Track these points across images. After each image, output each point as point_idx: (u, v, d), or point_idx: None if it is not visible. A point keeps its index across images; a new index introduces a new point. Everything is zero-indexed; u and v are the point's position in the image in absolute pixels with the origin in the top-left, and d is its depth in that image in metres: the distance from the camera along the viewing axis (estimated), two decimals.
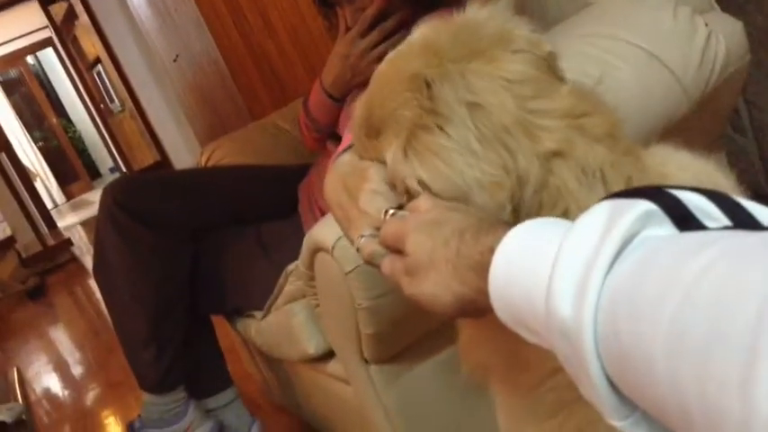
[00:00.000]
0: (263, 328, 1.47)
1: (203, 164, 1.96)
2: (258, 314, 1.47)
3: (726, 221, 0.40)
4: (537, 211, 0.60)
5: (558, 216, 0.55)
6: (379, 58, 1.29)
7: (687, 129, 1.16)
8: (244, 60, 4.11)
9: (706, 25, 1.13)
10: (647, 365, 0.35)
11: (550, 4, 1.35)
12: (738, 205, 0.41)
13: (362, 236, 0.67)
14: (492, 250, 0.49)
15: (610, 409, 0.41)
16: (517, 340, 0.51)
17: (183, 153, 6.85)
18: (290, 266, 1.36)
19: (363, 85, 1.35)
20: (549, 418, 0.65)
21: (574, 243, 0.42)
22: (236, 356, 1.97)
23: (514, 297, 0.47)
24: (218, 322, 1.68)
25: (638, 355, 0.36)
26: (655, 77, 1.07)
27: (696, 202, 0.41)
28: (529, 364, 0.65)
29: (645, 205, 0.40)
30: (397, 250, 0.61)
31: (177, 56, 5.13)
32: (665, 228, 0.40)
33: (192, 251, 1.50)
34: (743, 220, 0.40)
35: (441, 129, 0.61)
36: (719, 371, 0.31)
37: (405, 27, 1.28)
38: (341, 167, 0.75)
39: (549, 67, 0.65)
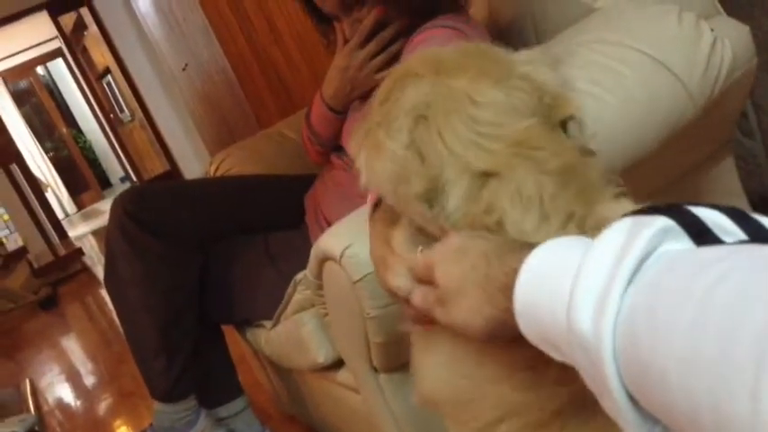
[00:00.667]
0: (273, 337, 1.47)
1: (212, 173, 1.97)
2: (267, 324, 1.47)
3: (742, 236, 0.41)
4: (470, 217, 0.64)
5: (492, 224, 0.61)
6: (379, 69, 1.31)
7: (694, 134, 1.16)
8: (251, 68, 4.12)
9: (711, 30, 1.13)
10: (662, 377, 0.36)
11: (554, 10, 1.35)
12: (754, 221, 0.41)
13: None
14: (516, 271, 0.51)
15: (631, 424, 0.42)
16: (467, 376, 0.60)
17: (193, 161, 6.88)
18: (299, 276, 1.37)
19: (364, 96, 1.37)
20: None
21: (594, 259, 0.43)
22: (246, 366, 1.98)
23: (539, 314, 0.48)
24: (229, 332, 1.69)
25: (654, 366, 0.37)
26: (660, 83, 1.07)
27: (713, 218, 0.42)
28: (473, 407, 0.68)
29: (663, 221, 0.41)
30: (429, 282, 0.63)
31: (186, 65, 5.15)
32: (682, 243, 0.41)
33: (201, 261, 1.51)
34: (759, 235, 0.40)
35: (384, 129, 0.68)
36: (730, 382, 0.32)
37: (402, 36, 1.28)
38: (377, 225, 0.80)
39: (543, 106, 0.68)
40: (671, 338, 0.36)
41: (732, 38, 1.15)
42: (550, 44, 1.24)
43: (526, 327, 0.51)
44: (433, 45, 1.15)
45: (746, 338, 0.32)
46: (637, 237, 0.41)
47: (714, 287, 0.34)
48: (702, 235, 0.41)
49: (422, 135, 0.66)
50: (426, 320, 0.67)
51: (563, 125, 0.70)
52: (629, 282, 0.40)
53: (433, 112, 0.65)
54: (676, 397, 0.35)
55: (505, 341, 0.58)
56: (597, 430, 0.62)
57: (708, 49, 1.10)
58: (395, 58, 1.29)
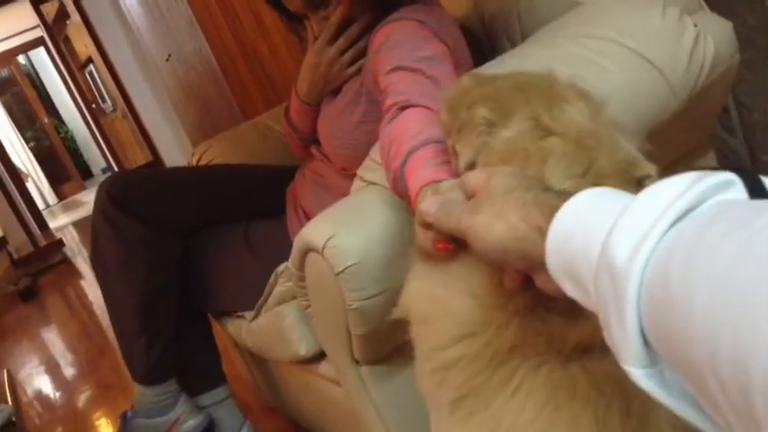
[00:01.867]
0: (254, 329, 1.47)
1: (194, 164, 1.96)
2: (248, 315, 1.47)
3: None
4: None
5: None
6: (349, 64, 1.32)
7: (676, 128, 1.17)
8: (236, 60, 4.10)
9: (695, 25, 1.13)
10: (686, 305, 0.36)
11: (539, 4, 1.35)
12: None
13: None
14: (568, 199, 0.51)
15: (632, 354, 0.42)
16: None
17: (176, 153, 6.84)
18: (281, 267, 1.37)
19: (335, 90, 1.39)
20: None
21: (648, 197, 0.43)
22: (227, 357, 1.97)
23: (573, 240, 0.49)
24: (214, 322, 1.69)
25: (680, 295, 0.37)
26: (643, 77, 1.07)
27: None
28: (438, 323, 0.70)
29: (728, 175, 0.42)
30: (473, 193, 0.63)
31: (169, 55, 5.11)
32: (742, 196, 0.42)
33: (182, 247, 1.52)
34: None
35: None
36: (757, 311, 0.32)
37: (369, 30, 1.28)
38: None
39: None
40: (706, 273, 0.36)
41: (715, 33, 1.16)
42: (535, 37, 1.25)
43: (553, 251, 0.50)
44: (393, 39, 1.15)
45: None
46: (696, 183, 0.41)
47: (762, 229, 0.35)
48: (763, 195, 0.41)
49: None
50: (443, 242, 0.67)
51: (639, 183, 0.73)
52: (678, 219, 0.40)
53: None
54: (697, 326, 0.35)
55: (494, 261, 0.59)
56: (549, 380, 0.63)
57: (691, 44, 1.11)
58: (363, 53, 1.31)
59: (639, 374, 0.43)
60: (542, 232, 0.52)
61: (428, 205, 0.67)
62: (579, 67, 1.07)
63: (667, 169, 1.33)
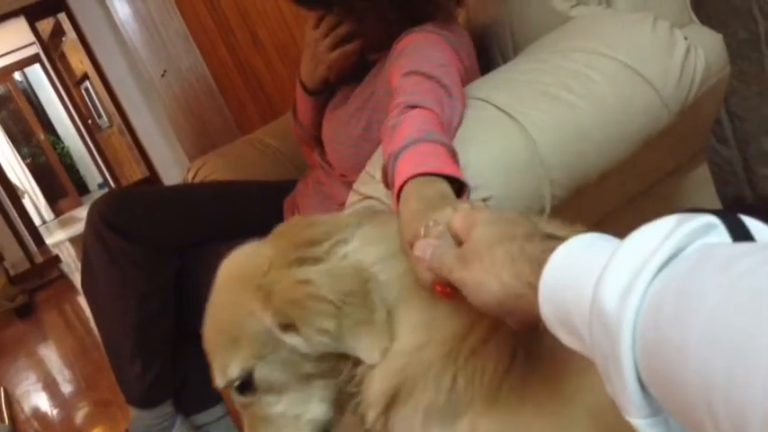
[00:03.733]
0: None
1: (190, 180, 1.96)
2: None
3: None
4: None
5: None
6: (332, 47, 1.36)
7: (669, 141, 1.17)
8: (232, 75, 4.11)
9: (685, 38, 1.14)
10: (679, 353, 0.37)
11: (533, 18, 1.36)
12: None
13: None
14: (553, 250, 0.52)
15: (633, 406, 0.42)
16: None
17: (172, 168, 6.84)
18: None
19: (340, 100, 1.41)
20: None
21: (633, 243, 0.44)
22: None
23: (564, 290, 0.49)
24: None
25: (673, 341, 0.37)
26: (635, 91, 1.08)
27: (757, 228, 0.43)
28: None
29: (710, 218, 0.42)
30: (458, 239, 0.64)
31: (165, 71, 5.13)
32: (724, 240, 0.42)
33: (177, 267, 1.50)
34: None
35: None
36: (750, 359, 0.32)
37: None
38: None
39: None
40: (696, 315, 0.36)
41: (705, 46, 1.17)
42: (527, 51, 1.25)
43: (546, 303, 0.51)
44: (413, 45, 1.16)
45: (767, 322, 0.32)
46: (680, 227, 0.42)
47: (748, 272, 0.35)
48: (744, 238, 0.42)
49: None
50: (441, 286, 0.67)
51: None
52: (664, 265, 0.41)
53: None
54: (690, 369, 0.36)
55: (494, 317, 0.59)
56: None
57: (681, 58, 1.12)
58: (344, 39, 1.36)
59: (644, 425, 0.43)
60: (535, 288, 0.52)
61: (422, 250, 0.67)
62: (571, 81, 1.08)
63: (662, 181, 1.34)
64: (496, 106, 1.06)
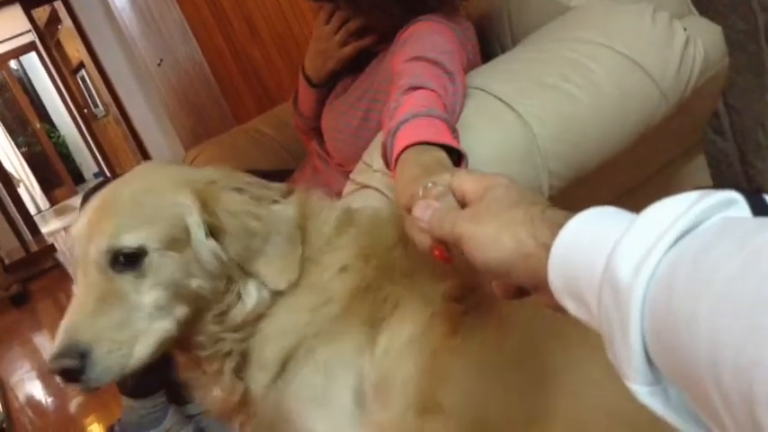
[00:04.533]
0: None
1: None
2: None
3: None
4: None
5: None
6: (343, 42, 1.35)
7: (667, 132, 1.17)
8: (228, 65, 4.10)
9: (684, 30, 1.14)
10: (689, 322, 0.36)
11: (531, 8, 1.36)
12: None
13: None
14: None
15: (636, 372, 0.42)
16: None
17: (168, 157, 6.82)
18: None
19: (339, 92, 1.41)
20: None
21: (654, 213, 0.43)
22: None
23: (576, 258, 0.48)
24: None
25: (684, 313, 0.37)
26: (633, 81, 1.08)
27: None
28: None
29: (731, 194, 0.42)
30: (466, 201, 0.63)
31: (161, 60, 5.11)
32: (744, 214, 0.42)
33: None
34: None
35: None
36: (761, 332, 0.32)
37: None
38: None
39: None
40: (709, 286, 0.36)
41: (705, 37, 1.16)
42: (526, 41, 1.25)
43: (556, 268, 0.50)
44: (418, 33, 1.16)
45: None
46: (700, 201, 0.41)
47: (762, 248, 0.35)
48: (765, 214, 0.41)
49: None
50: (441, 251, 0.66)
51: None
52: (681, 237, 0.41)
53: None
54: (700, 341, 0.35)
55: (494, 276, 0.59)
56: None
57: (681, 49, 1.11)
58: (354, 34, 1.35)
59: (643, 392, 0.43)
60: (549, 249, 0.51)
61: (421, 210, 0.66)
62: (569, 71, 1.07)
63: (659, 173, 1.34)
64: (495, 96, 1.06)
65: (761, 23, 1.49)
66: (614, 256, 0.43)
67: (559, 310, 0.52)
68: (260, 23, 3.98)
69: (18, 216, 6.48)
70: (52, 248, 6.05)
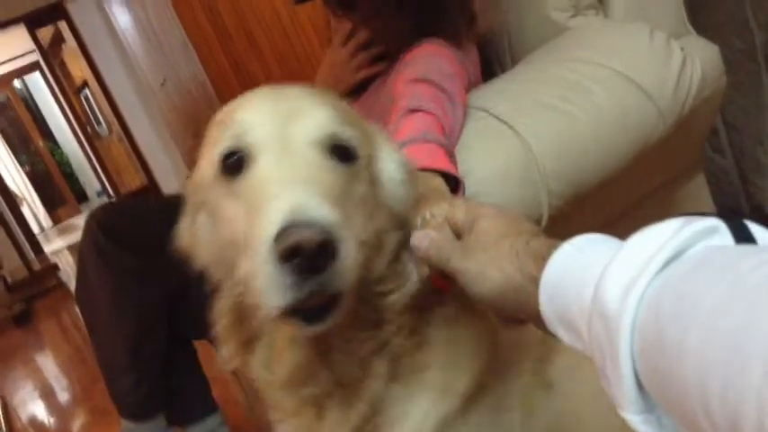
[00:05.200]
0: None
1: None
2: None
3: None
4: None
5: None
6: (358, 68, 1.34)
7: (665, 151, 1.18)
8: (231, 83, 4.12)
9: (682, 49, 1.15)
10: (678, 348, 0.37)
11: (530, 28, 1.37)
12: None
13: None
14: (558, 248, 0.52)
15: (628, 401, 0.43)
16: None
17: (171, 176, 6.84)
18: None
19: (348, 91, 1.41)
20: None
21: (637, 243, 0.44)
22: (221, 381, 1.96)
23: (565, 285, 0.49)
24: (204, 347, 1.68)
25: (672, 340, 0.38)
26: (632, 100, 1.09)
27: (760, 232, 0.43)
28: None
29: (714, 221, 0.43)
30: (458, 230, 0.64)
31: (165, 79, 5.14)
32: (727, 242, 0.43)
33: (174, 276, 1.50)
34: None
35: None
36: (747, 354, 0.33)
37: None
38: None
39: None
40: (696, 313, 0.37)
41: (702, 57, 1.17)
42: (525, 61, 1.26)
43: (546, 298, 0.51)
44: (421, 54, 1.17)
45: (767, 319, 0.33)
46: (684, 228, 0.42)
47: (749, 272, 0.36)
48: (747, 241, 0.42)
49: None
50: (441, 281, 0.67)
51: None
52: (666, 264, 0.41)
53: None
54: (688, 367, 0.36)
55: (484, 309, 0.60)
56: None
57: (678, 68, 1.12)
58: (373, 59, 1.34)
59: (637, 421, 0.43)
60: (537, 282, 0.52)
61: (419, 240, 0.67)
62: (568, 91, 1.08)
63: (657, 192, 1.34)
64: (495, 116, 1.06)
65: (758, 42, 1.51)
66: (602, 285, 0.44)
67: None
68: (262, 41, 4.01)
69: (21, 235, 6.49)
70: (55, 267, 6.05)
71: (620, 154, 1.08)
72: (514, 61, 1.39)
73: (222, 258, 0.69)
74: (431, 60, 1.14)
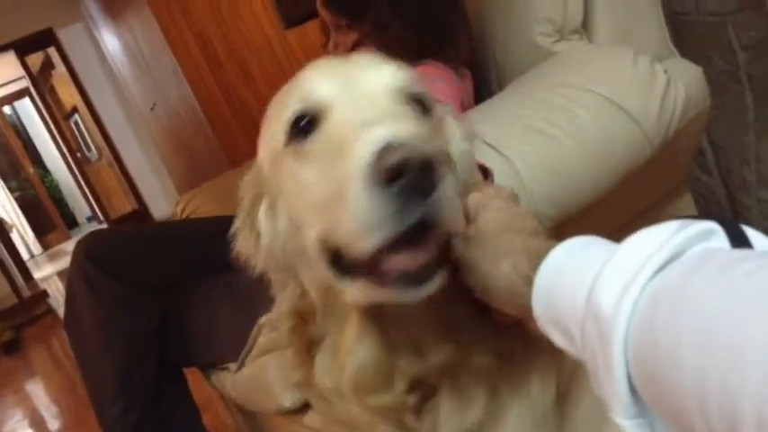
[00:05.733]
0: (238, 381, 1.45)
1: (179, 214, 1.96)
2: (232, 366, 1.45)
3: None
4: None
5: None
6: None
7: (652, 172, 1.19)
8: (221, 107, 4.13)
9: (665, 72, 1.16)
10: (674, 354, 0.36)
11: (515, 53, 1.38)
12: None
13: None
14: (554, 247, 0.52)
15: (620, 405, 0.42)
16: None
17: (161, 200, 6.84)
18: (263, 320, 1.36)
19: None
20: None
21: (634, 244, 0.44)
22: (212, 409, 1.95)
23: (559, 287, 0.49)
24: (195, 374, 1.66)
25: (668, 343, 0.37)
26: (617, 124, 1.10)
27: (756, 237, 0.43)
28: None
29: (710, 224, 0.43)
30: (467, 217, 0.62)
31: (155, 104, 5.15)
32: (723, 245, 0.42)
33: (164, 304, 1.49)
34: None
35: None
36: (746, 360, 0.32)
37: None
38: None
39: None
40: (692, 317, 0.36)
41: (686, 79, 1.19)
42: (511, 86, 1.27)
43: (539, 300, 0.51)
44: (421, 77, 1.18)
45: (766, 323, 0.33)
46: (680, 231, 0.42)
47: (745, 276, 0.35)
48: (743, 245, 0.42)
49: None
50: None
51: None
52: (662, 267, 0.41)
53: None
54: (685, 371, 0.36)
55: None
56: None
57: (662, 91, 1.13)
58: None
59: (630, 425, 0.43)
60: (530, 282, 0.52)
61: None
62: (554, 115, 1.09)
63: (645, 212, 1.35)
64: (483, 140, 1.07)
65: (741, 63, 1.52)
66: (596, 288, 0.43)
67: (546, 342, 0.52)
68: (252, 65, 4.02)
69: (11, 262, 6.46)
70: (45, 294, 6.01)
71: (607, 176, 1.09)
72: (501, 85, 1.40)
73: (285, 252, 0.65)
74: (431, 81, 1.15)
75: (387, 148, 0.48)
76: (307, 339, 0.68)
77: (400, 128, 0.50)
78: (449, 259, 0.57)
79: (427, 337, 0.62)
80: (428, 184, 0.48)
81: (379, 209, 0.48)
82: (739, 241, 0.42)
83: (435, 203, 0.49)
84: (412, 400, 0.62)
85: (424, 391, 0.63)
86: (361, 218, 0.49)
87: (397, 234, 0.49)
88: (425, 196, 0.48)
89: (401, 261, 0.52)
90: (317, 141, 0.59)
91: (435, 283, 0.54)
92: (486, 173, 0.87)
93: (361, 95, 0.60)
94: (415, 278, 0.53)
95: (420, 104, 0.62)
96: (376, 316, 0.61)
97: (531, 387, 0.64)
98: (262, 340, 1.37)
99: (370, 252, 0.51)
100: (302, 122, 0.60)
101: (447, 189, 0.50)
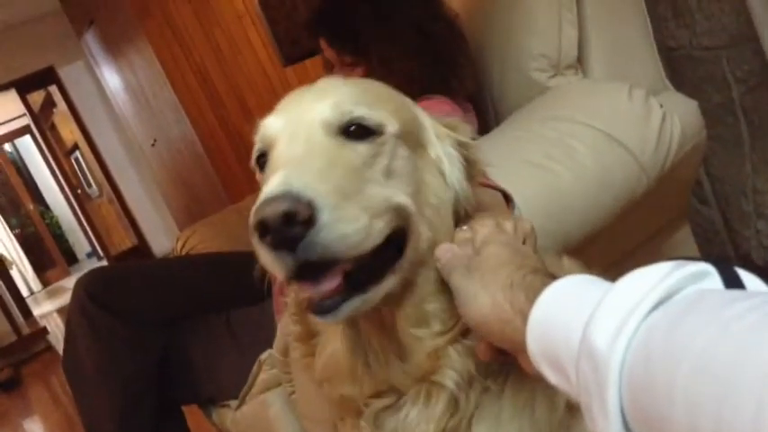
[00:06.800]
0: (239, 418, 1.44)
1: (179, 250, 1.96)
2: (233, 404, 1.44)
3: None
4: None
5: None
6: None
7: (649, 205, 1.19)
8: (221, 143, 4.15)
9: (661, 106, 1.17)
10: (667, 390, 0.37)
11: (511, 88, 1.40)
12: None
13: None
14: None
15: None
16: None
17: (161, 236, 6.84)
18: (264, 355, 1.35)
19: None
20: None
21: (629, 283, 0.44)
22: None
23: (554, 325, 0.49)
24: (195, 411, 1.65)
25: (661, 381, 0.38)
26: (614, 158, 1.11)
27: (750, 279, 0.44)
28: None
29: (704, 266, 0.43)
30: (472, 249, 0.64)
31: (155, 140, 5.18)
32: (717, 286, 0.43)
33: (164, 341, 1.48)
34: None
35: None
36: (738, 394, 0.33)
37: None
38: None
39: None
40: (686, 355, 0.37)
41: (681, 112, 1.20)
42: (508, 121, 1.28)
43: (534, 335, 0.51)
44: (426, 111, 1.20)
45: (759, 359, 0.33)
46: (674, 272, 0.42)
47: (739, 316, 0.36)
48: (737, 287, 0.43)
49: None
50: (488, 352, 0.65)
51: None
52: (656, 306, 0.41)
53: None
54: (678, 408, 0.36)
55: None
56: None
57: (658, 125, 1.15)
58: None
59: None
60: (525, 317, 0.52)
61: (441, 252, 0.66)
62: (551, 149, 1.10)
63: (644, 244, 1.35)
64: None
65: (736, 95, 1.54)
66: (591, 326, 0.44)
67: (539, 377, 0.52)
68: (251, 101, 4.06)
69: (10, 299, 6.43)
70: (44, 331, 5.98)
71: (605, 210, 1.09)
72: (497, 120, 1.42)
73: None
74: (434, 113, 1.17)
75: (264, 202, 0.54)
76: (308, 327, 0.74)
77: (288, 177, 0.55)
78: (378, 282, 0.60)
79: (411, 347, 0.66)
80: (291, 236, 0.53)
81: (264, 256, 0.56)
82: (733, 283, 0.43)
83: (310, 248, 0.54)
84: (379, 404, 0.67)
85: (395, 397, 0.67)
86: (261, 259, 0.57)
87: (289, 273, 0.55)
88: (292, 247, 0.54)
89: (307, 291, 0.58)
90: (263, 179, 0.66)
91: (344, 312, 0.58)
92: (507, 199, 0.88)
93: (298, 130, 0.65)
94: (321, 307, 0.58)
95: (363, 127, 0.65)
96: (353, 320, 0.66)
97: (535, 406, 0.65)
98: (263, 377, 1.36)
99: (283, 281, 0.57)
100: (262, 160, 0.68)
101: (329, 225, 0.54)
